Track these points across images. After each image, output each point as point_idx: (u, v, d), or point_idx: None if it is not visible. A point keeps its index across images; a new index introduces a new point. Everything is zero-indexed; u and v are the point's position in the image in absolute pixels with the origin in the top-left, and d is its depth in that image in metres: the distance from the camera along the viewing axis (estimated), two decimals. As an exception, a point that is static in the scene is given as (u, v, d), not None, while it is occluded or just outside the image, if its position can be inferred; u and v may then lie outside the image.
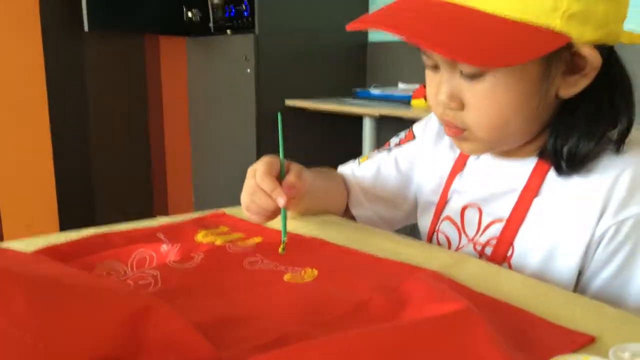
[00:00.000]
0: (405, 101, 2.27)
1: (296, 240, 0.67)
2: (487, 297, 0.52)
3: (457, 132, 0.65)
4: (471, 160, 0.77)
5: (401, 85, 2.59)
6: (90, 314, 0.31)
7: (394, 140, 0.88)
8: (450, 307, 0.45)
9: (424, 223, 0.81)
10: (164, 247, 0.60)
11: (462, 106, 0.63)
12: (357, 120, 2.51)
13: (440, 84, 0.64)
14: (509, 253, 0.67)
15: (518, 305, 0.51)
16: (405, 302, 0.50)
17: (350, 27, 0.63)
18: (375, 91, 2.48)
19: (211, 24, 2.75)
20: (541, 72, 0.60)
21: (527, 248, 0.66)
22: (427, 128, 0.85)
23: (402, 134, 0.88)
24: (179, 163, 3.13)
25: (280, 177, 0.70)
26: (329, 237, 0.68)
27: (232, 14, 2.60)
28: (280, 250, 0.63)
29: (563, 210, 0.65)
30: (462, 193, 0.76)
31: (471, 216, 0.73)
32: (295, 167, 0.73)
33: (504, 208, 0.69)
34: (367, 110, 2.28)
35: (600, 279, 0.63)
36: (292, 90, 2.58)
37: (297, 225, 0.73)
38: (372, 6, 2.78)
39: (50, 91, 2.66)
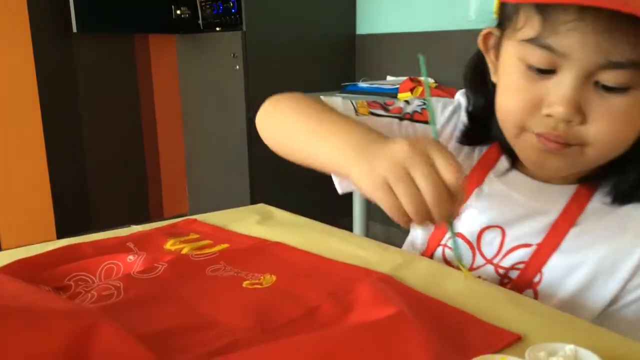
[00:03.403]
0: (393, 94, 2.29)
1: (259, 246, 0.70)
2: (430, 299, 0.55)
3: (565, 147, 0.57)
4: (492, 178, 0.69)
5: (390, 78, 2.61)
6: (37, 338, 0.34)
7: (404, 107, 0.74)
8: (385, 312, 0.48)
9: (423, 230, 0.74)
10: (130, 258, 0.64)
11: (583, 120, 0.55)
12: (347, 113, 2.53)
13: (554, 91, 0.55)
14: (536, 279, 0.64)
15: (458, 305, 0.54)
16: (351, 307, 0.54)
17: None
18: (363, 84, 2.50)
19: (200, 21, 2.77)
20: None
21: (559, 276, 0.63)
22: (452, 120, 0.73)
23: (418, 107, 0.73)
24: (173, 160, 3.17)
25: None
26: (291, 241, 0.72)
27: (220, 11, 2.62)
28: (465, 275, 0.57)
29: (605, 240, 0.62)
30: (480, 211, 0.69)
31: (491, 238, 0.68)
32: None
33: (532, 233, 0.65)
34: (355, 105, 2.30)
35: (625, 300, 0.62)
36: (282, 86, 2.59)
37: (261, 230, 0.77)
38: (359, 1, 2.79)
39: (42, 94, 2.69)
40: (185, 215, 2.94)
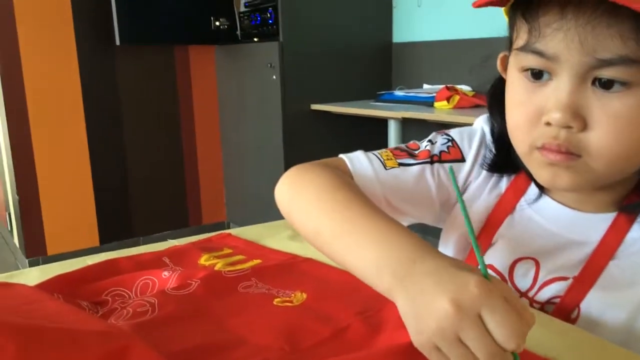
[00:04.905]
0: (429, 103, 2.27)
1: (291, 262, 0.71)
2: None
3: (570, 158, 0.54)
4: (523, 206, 0.66)
5: (426, 86, 2.60)
6: (70, 358, 0.35)
7: (430, 148, 0.71)
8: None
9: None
10: (165, 274, 0.65)
11: (584, 126, 0.52)
12: (382, 122, 2.53)
13: (550, 97, 0.53)
14: (574, 315, 0.59)
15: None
16: (381, 328, 0.54)
17: None
18: (399, 93, 2.49)
19: (238, 32, 2.82)
20: None
21: (598, 313, 0.58)
22: (480, 153, 0.70)
23: (444, 146, 0.71)
24: (211, 168, 3.22)
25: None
26: (322, 257, 0.72)
27: (257, 22, 2.65)
28: None
29: None
30: (511, 241, 0.65)
31: (525, 270, 0.64)
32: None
33: (568, 265, 0.61)
34: (391, 113, 2.30)
35: None
36: (318, 95, 2.63)
37: (293, 246, 0.77)
38: (395, 9, 2.79)
39: (86, 103, 2.78)
40: (224, 222, 2.99)
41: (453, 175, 0.53)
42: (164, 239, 0.82)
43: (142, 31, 2.71)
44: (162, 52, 2.98)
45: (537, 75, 0.54)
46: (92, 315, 0.54)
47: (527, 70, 0.55)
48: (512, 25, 0.58)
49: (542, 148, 0.55)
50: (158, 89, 2.99)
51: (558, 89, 0.52)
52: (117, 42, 2.63)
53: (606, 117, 0.51)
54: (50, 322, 0.38)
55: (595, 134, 0.52)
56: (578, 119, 0.52)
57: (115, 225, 2.96)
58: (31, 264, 2.72)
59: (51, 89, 2.68)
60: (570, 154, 0.53)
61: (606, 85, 0.50)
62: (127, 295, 0.63)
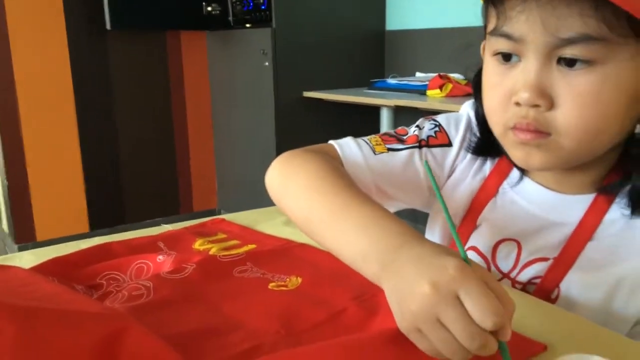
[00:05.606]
0: (422, 91, 2.27)
1: (285, 247, 0.71)
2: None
3: (540, 136, 0.55)
4: (505, 189, 0.68)
5: (419, 74, 2.59)
6: (67, 339, 0.36)
7: (418, 133, 0.72)
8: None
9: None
10: (160, 258, 0.65)
11: (551, 104, 0.54)
12: (375, 110, 2.53)
13: (519, 78, 0.55)
14: (554, 295, 0.61)
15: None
16: (376, 311, 0.54)
17: None
18: (392, 81, 2.49)
19: (230, 18, 2.79)
20: None
21: (577, 293, 0.60)
22: (466, 137, 0.72)
23: (431, 131, 0.72)
24: (203, 155, 3.20)
25: None
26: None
27: (250, 7, 2.63)
28: None
29: (626, 256, 0.60)
30: (494, 223, 0.67)
31: (507, 251, 0.65)
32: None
33: (549, 246, 0.63)
34: (383, 101, 2.30)
35: None
36: (311, 82, 2.61)
37: (288, 231, 0.77)
38: (388, -4, 2.77)
39: (77, 89, 2.75)
40: (214, 209, 2.98)
41: (429, 168, 0.54)
42: (155, 225, 0.82)
43: (133, 16, 2.67)
44: (153, 37, 2.95)
45: (507, 57, 0.57)
46: (88, 298, 0.54)
47: (498, 53, 0.57)
48: (485, 12, 0.60)
49: (514, 128, 0.57)
50: (149, 74, 2.97)
51: (525, 70, 0.54)
52: (108, 27, 2.60)
53: (571, 94, 0.53)
54: (47, 304, 0.38)
55: (561, 111, 0.54)
56: (545, 97, 0.54)
57: (106, 212, 2.95)
58: (20, 250, 2.70)
59: (41, 74, 2.65)
60: (540, 132, 0.55)
61: (570, 63, 0.52)
62: (121, 279, 0.63)
